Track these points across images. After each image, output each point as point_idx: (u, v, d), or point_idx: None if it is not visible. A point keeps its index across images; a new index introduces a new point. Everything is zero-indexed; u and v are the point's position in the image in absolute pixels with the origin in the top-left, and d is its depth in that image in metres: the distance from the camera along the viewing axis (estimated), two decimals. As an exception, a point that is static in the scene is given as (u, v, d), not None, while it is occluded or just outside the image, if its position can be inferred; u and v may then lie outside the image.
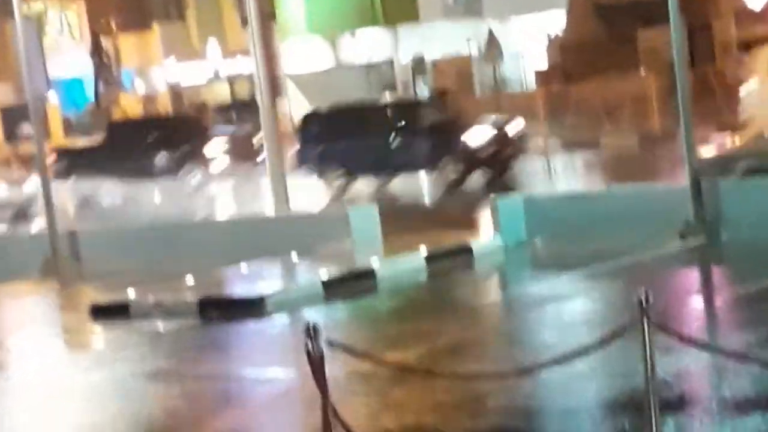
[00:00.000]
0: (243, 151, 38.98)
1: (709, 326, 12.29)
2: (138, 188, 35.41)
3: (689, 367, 10.09)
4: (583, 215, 18.49)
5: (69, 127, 63.06)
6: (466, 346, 12.36)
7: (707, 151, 19.44)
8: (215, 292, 16.66)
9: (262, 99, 22.05)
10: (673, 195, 17.74)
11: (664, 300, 12.92)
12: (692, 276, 15.48)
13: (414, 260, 17.53)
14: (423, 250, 17.82)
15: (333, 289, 16.17)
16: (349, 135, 31.59)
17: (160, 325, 15.46)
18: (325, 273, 16.79)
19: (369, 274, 16.80)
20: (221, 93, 64.60)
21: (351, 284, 16.41)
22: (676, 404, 9.16)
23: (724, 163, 18.86)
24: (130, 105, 63.74)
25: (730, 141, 20.71)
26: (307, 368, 7.93)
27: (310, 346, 7.83)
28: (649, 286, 7.96)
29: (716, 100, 37.26)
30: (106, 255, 21.48)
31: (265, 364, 12.89)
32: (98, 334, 15.78)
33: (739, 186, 17.71)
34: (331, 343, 8.00)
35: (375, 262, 17.30)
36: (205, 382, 12.25)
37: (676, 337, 7.71)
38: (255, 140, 36.72)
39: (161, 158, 38.40)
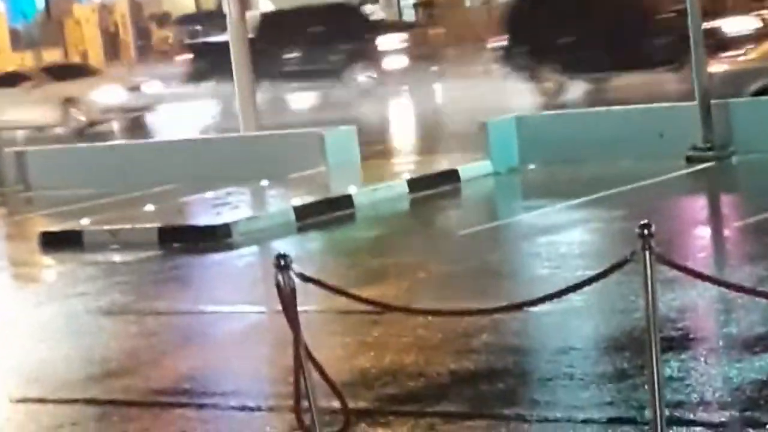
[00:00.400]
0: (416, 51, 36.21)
1: (716, 258, 12.29)
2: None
3: (694, 302, 10.11)
4: (581, 137, 18.45)
5: (18, 40, 62.79)
6: (451, 281, 12.35)
7: (718, 68, 19.38)
8: (177, 220, 16.63)
9: (230, 10, 21.96)
10: (680, 115, 17.71)
11: (668, 229, 12.94)
12: (699, 203, 15.49)
13: (395, 187, 17.50)
14: (404, 176, 17.80)
15: (307, 218, 16.17)
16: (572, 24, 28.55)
17: (117, 256, 15.43)
18: (296, 199, 16.79)
19: (346, 202, 16.79)
20: (184, 5, 64.34)
21: (326, 212, 16.40)
22: (680, 342, 9.17)
23: (735, 81, 18.84)
24: (84, 15, 63.44)
25: (742, 58, 20.61)
26: (278, 304, 7.89)
27: (280, 279, 7.80)
28: (651, 214, 7.96)
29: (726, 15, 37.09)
30: (56, 180, 21.45)
31: (231, 299, 12.87)
32: (49, 266, 15.72)
33: (750, 106, 17.70)
34: (303, 277, 7.97)
35: (352, 188, 17.28)
36: (165, 319, 12.26)
37: (680, 269, 7.69)
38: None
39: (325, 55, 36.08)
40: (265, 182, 18.62)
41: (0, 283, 15.44)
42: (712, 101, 17.22)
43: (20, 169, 22.29)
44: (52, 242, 16.55)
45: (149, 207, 17.59)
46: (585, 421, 7.87)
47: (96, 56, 62.59)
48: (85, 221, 16.91)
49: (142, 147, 24.65)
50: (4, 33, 61.67)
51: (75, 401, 9.54)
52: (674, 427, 7.25)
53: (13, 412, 9.64)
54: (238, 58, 21.65)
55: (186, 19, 61.81)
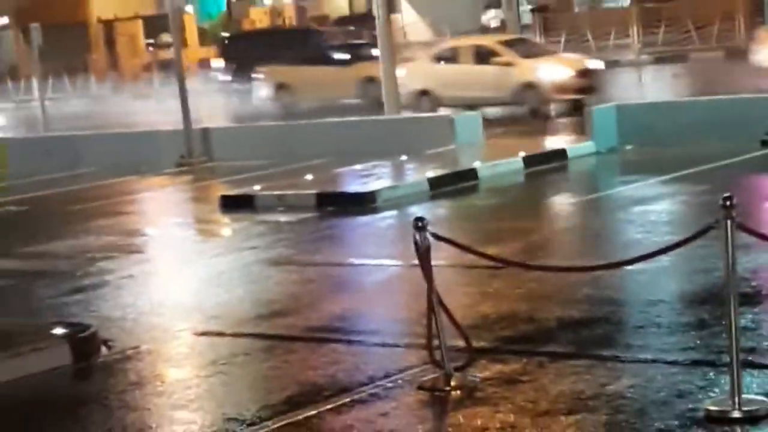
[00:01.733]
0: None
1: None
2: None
3: (767, 264, 9.95)
4: (671, 123, 18.30)
5: (204, 36, 63.49)
6: (559, 242, 12.31)
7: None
8: (332, 188, 16.73)
9: (378, 12, 21.97)
10: (759, 105, 17.48)
11: (746, 202, 12.74)
12: (759, 181, 15.21)
13: (513, 163, 17.46)
14: (520, 154, 17.73)
15: (439, 188, 16.19)
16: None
17: (283, 217, 15.55)
18: (430, 172, 16.81)
19: (472, 174, 16.78)
20: (340, 8, 64.55)
21: (455, 183, 16.41)
22: (753, 298, 9.04)
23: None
24: (258, 16, 64.00)
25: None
26: (414, 258, 7.92)
27: (417, 238, 7.81)
28: (732, 188, 7.84)
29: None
30: (234, 153, 21.69)
31: (374, 254, 12.93)
32: (226, 224, 15.90)
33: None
34: (436, 237, 7.98)
35: (476, 163, 17.27)
36: (321, 269, 12.33)
37: (756, 236, 7.57)
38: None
39: None
40: (404, 157, 18.66)
41: (186, 237, 15.65)
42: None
43: (205, 143, 22.54)
44: (230, 204, 16.74)
45: (309, 176, 17.71)
46: (671, 363, 7.79)
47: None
48: (256, 187, 17.09)
49: (304, 126, 24.77)
50: (193, 30, 62.33)
51: (247, 335, 9.65)
52: (748, 369, 7.14)
53: (196, 343, 9.76)
54: (384, 52, 21.68)
55: (341, 21, 62.04)
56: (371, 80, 30.41)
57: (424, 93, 27.43)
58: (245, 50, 40.47)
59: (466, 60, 28.16)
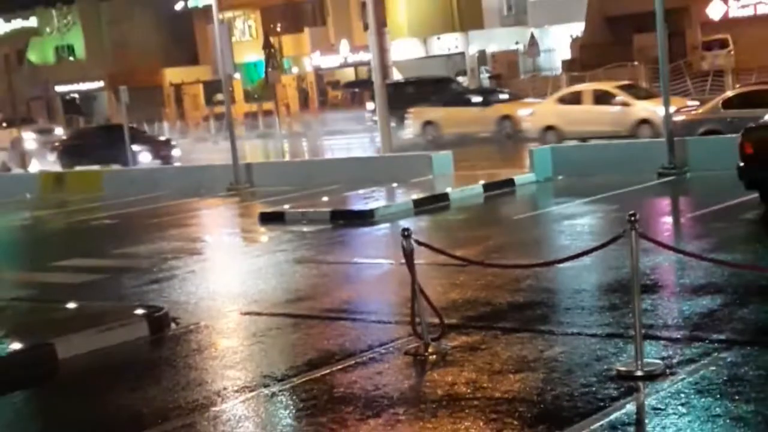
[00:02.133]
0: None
1: (676, 235, 12.10)
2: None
3: (661, 263, 9.96)
4: (592, 159, 18.36)
5: (247, 96, 63.68)
6: (508, 247, 12.31)
7: (679, 118, 19.14)
8: (341, 207, 16.73)
9: (375, 78, 22.00)
10: (655, 147, 17.56)
11: (646, 217, 12.77)
12: (666, 202, 15.27)
13: (475, 188, 17.48)
14: (480, 182, 17.76)
15: (420, 207, 16.19)
16: None
17: (305, 228, 15.56)
18: (414, 195, 16.82)
19: (445, 197, 16.79)
20: (348, 75, 64.74)
21: (432, 204, 16.41)
22: (652, 288, 9.04)
23: (689, 127, 18.62)
24: (288, 82, 64.13)
25: (694, 111, 20.28)
26: (402, 258, 7.92)
27: (404, 243, 7.82)
28: (636, 207, 7.89)
29: (686, 83, 36.55)
30: (270, 181, 21.72)
31: (373, 255, 12.93)
32: (264, 233, 15.92)
33: (698, 141, 17.47)
34: (418, 242, 7.98)
35: (448, 189, 17.28)
36: (334, 266, 12.33)
37: (653, 242, 7.60)
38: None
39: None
40: (394, 184, 18.67)
41: (233, 243, 15.66)
42: (675, 138, 17.02)
43: (248, 174, 22.54)
44: (266, 219, 16.74)
45: (325, 198, 17.72)
46: (591, 335, 7.80)
47: (294, 107, 63.22)
48: (286, 206, 17.09)
49: (321, 162, 24.87)
50: (239, 91, 62.52)
51: (278, 315, 9.64)
52: (647, 340, 7.15)
53: (241, 320, 9.76)
54: (380, 106, 21.71)
55: (349, 84, 62.21)
56: (507, 117, 29.60)
57: (549, 128, 25.86)
58: (391, 95, 37.75)
59: (587, 101, 25.98)
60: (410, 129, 32.52)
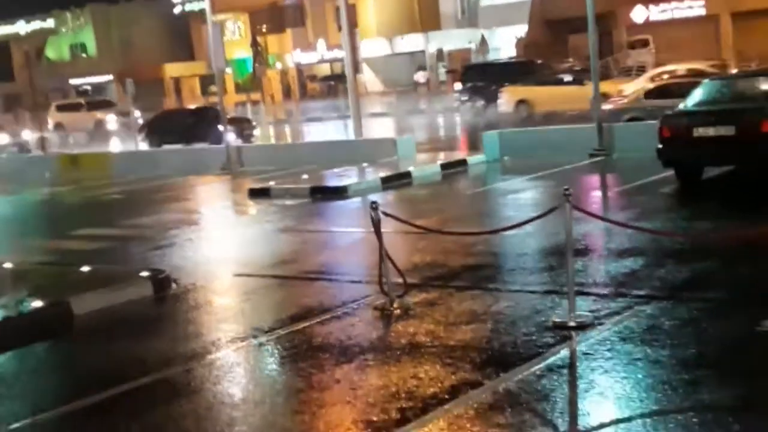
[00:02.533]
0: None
1: (604, 207, 12.17)
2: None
3: (592, 231, 10.03)
4: (534, 143, 18.37)
5: (238, 87, 63.14)
6: (462, 217, 12.33)
7: (606, 106, 19.21)
8: (319, 183, 16.68)
9: (348, 73, 21.87)
10: (586, 131, 17.59)
11: (579, 191, 12.83)
12: (595, 178, 15.32)
13: (434, 167, 17.47)
14: (438, 162, 17.75)
15: (387, 183, 16.17)
16: None
17: (288, 201, 15.51)
18: (381, 173, 16.79)
19: (408, 175, 16.77)
20: (325, 70, 64.41)
21: (397, 181, 16.40)
22: (583, 251, 9.10)
23: (615, 114, 18.70)
24: (273, 76, 63.65)
25: (620, 102, 20.35)
26: (371, 227, 7.92)
27: (372, 215, 7.81)
28: (570, 183, 7.92)
29: (613, 78, 36.61)
30: (261, 162, 21.56)
31: (347, 225, 12.92)
32: (252, 206, 15.84)
33: (623, 127, 17.54)
34: (385, 213, 7.98)
35: (411, 168, 17.25)
36: (313, 234, 12.30)
37: (585, 213, 7.64)
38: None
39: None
40: (365, 164, 18.62)
41: (226, 215, 15.57)
42: (603, 124, 17.08)
43: (239, 155, 22.33)
44: (255, 194, 16.65)
45: (305, 176, 17.64)
46: (532, 292, 7.85)
47: (278, 97, 62.80)
48: (271, 183, 16.99)
49: (303, 145, 24.69)
50: (231, 83, 61.98)
51: (266, 276, 9.62)
52: (579, 296, 7.20)
53: (233, 281, 9.73)
54: (352, 98, 21.59)
55: (325, 78, 61.89)
56: (603, 95, 28.03)
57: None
58: (478, 76, 35.04)
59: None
60: (503, 107, 30.44)
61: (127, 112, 49.43)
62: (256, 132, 30.36)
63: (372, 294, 8.15)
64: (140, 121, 42.64)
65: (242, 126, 29.25)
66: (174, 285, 9.46)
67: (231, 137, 26.38)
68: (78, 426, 5.90)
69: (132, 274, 9.51)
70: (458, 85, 36.56)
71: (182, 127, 28.87)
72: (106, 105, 48.30)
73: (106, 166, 25.48)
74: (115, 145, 36.02)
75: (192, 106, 28.75)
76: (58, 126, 45.90)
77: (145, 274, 9.46)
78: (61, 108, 48.59)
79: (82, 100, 50.84)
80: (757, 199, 11.36)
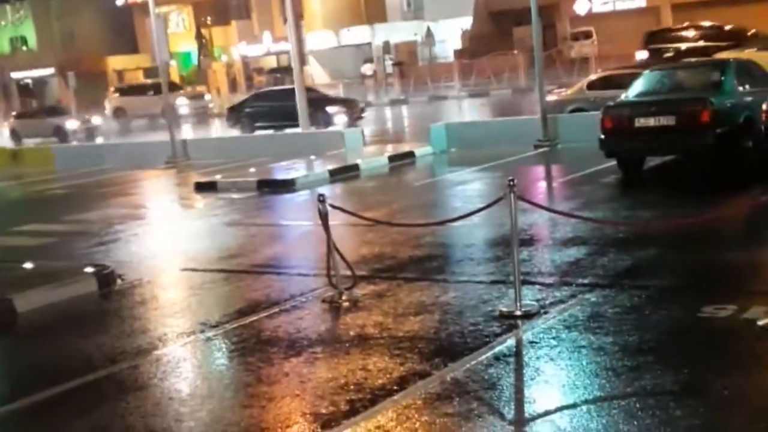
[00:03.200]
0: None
1: (548, 197, 12.31)
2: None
3: (537, 221, 10.14)
4: (479, 134, 18.50)
5: (182, 80, 62.42)
6: (410, 208, 12.36)
7: (551, 98, 19.39)
8: (267, 176, 16.59)
9: (294, 65, 21.78)
10: (531, 123, 17.76)
11: (524, 182, 12.95)
12: (540, 169, 15.50)
13: (381, 160, 17.48)
14: (386, 154, 17.77)
15: (335, 176, 16.14)
16: None
17: (235, 195, 15.40)
18: (329, 166, 16.75)
19: (356, 167, 16.76)
20: (271, 62, 64.01)
21: (345, 173, 16.38)
22: (528, 241, 9.21)
23: (559, 106, 18.88)
24: (218, 68, 63.05)
25: (563, 93, 20.56)
26: (318, 220, 7.90)
27: (320, 207, 7.79)
28: (515, 174, 7.99)
29: (557, 69, 37.07)
30: (205, 156, 21.36)
31: (294, 218, 12.88)
32: (198, 200, 15.71)
33: (567, 118, 17.73)
34: (332, 206, 7.97)
35: (359, 160, 17.24)
36: (260, 228, 12.24)
37: (529, 203, 7.71)
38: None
39: None
40: (312, 157, 18.57)
41: (172, 209, 15.40)
42: (548, 115, 17.26)
43: (184, 149, 22.11)
44: (201, 187, 16.50)
45: (252, 169, 17.52)
46: (479, 282, 7.91)
47: (224, 90, 62.25)
48: (218, 176, 16.85)
49: (249, 137, 24.50)
50: (176, 76, 61.24)
51: (213, 270, 9.54)
52: (525, 285, 7.28)
53: (180, 275, 9.64)
54: (299, 90, 21.49)
55: (272, 70, 61.50)
56: None
57: None
58: (669, 41, 30.13)
59: None
60: None
61: (199, 94, 43.98)
62: (365, 114, 28.03)
63: (320, 287, 8.13)
64: (211, 105, 39.55)
65: (352, 108, 26.69)
66: (119, 281, 9.34)
67: (341, 119, 25.16)
68: (22, 424, 5.80)
69: (76, 270, 9.36)
70: (641, 54, 30.22)
71: (281, 110, 25.21)
72: (174, 88, 41.63)
73: (47, 160, 25.01)
74: (200, 131, 33.87)
75: (289, 86, 24.83)
76: (119, 111, 41.37)
77: (89, 269, 9.31)
78: (122, 92, 43.60)
79: (149, 81, 45.10)
80: (697, 189, 11.59)
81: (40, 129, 35.32)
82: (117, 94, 44.19)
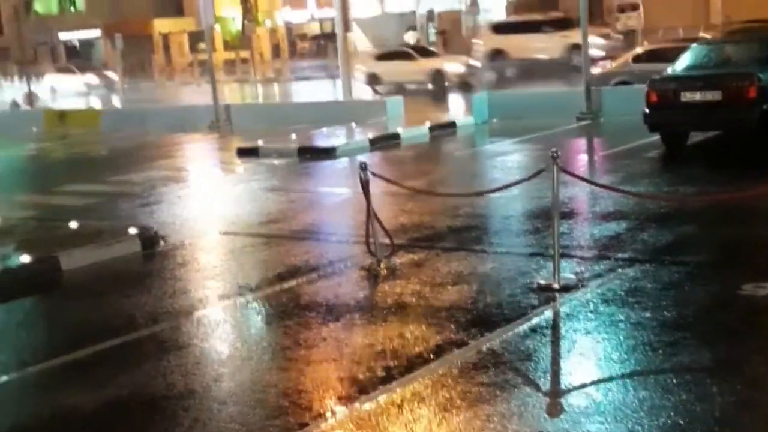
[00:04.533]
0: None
1: (590, 171, 12.20)
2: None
3: (578, 194, 10.07)
4: (522, 105, 18.35)
5: (226, 45, 62.57)
6: (449, 178, 12.34)
7: (595, 71, 19.16)
8: (308, 143, 16.63)
9: (339, 32, 21.72)
10: (575, 95, 17.59)
11: (566, 154, 12.85)
12: (582, 142, 15.36)
13: (422, 129, 17.42)
14: (427, 124, 17.70)
15: (375, 144, 16.13)
16: None
17: (276, 161, 15.47)
18: (370, 134, 16.74)
19: (396, 136, 16.73)
20: (315, 28, 63.87)
21: (385, 141, 16.36)
22: (569, 215, 9.15)
23: (604, 78, 18.66)
24: (262, 34, 63.06)
25: (608, 66, 20.29)
26: (359, 188, 7.91)
27: (361, 175, 7.81)
28: (558, 146, 7.90)
29: (604, 42, 36.44)
30: (250, 122, 21.43)
31: (335, 185, 12.91)
32: (240, 165, 15.80)
33: (611, 91, 17.52)
34: (373, 174, 7.97)
35: (399, 129, 17.21)
36: (301, 194, 12.30)
37: (572, 176, 7.66)
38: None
39: None
40: (354, 125, 18.55)
41: (214, 173, 15.50)
42: (591, 87, 17.06)
43: (227, 114, 22.19)
44: (243, 153, 16.59)
45: (293, 136, 17.57)
46: (517, 254, 7.89)
47: (267, 55, 62.26)
48: (260, 142, 16.90)
49: (291, 105, 24.55)
50: (220, 41, 61.46)
51: (252, 235, 9.63)
52: (564, 258, 7.25)
53: (220, 239, 9.73)
54: (342, 57, 21.43)
55: (315, 37, 61.39)
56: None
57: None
58: None
59: None
60: None
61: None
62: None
63: (359, 254, 8.17)
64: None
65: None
66: (162, 242, 9.46)
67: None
68: (65, 379, 5.93)
69: (120, 231, 9.50)
70: None
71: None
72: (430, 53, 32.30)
73: (94, 122, 25.29)
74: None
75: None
76: (372, 78, 30.64)
77: (133, 230, 9.44)
78: (381, 57, 32.16)
79: (410, 50, 31.93)
80: (739, 166, 11.41)
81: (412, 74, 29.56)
82: (374, 60, 32.37)
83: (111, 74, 45.12)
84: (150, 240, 9.32)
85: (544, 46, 30.61)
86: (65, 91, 43.56)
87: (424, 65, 29.85)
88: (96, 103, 35.52)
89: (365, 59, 33.52)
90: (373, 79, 30.88)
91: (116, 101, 34.11)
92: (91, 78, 46.17)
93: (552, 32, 30.73)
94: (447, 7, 55.33)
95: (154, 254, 9.14)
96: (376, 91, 29.44)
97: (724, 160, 12.03)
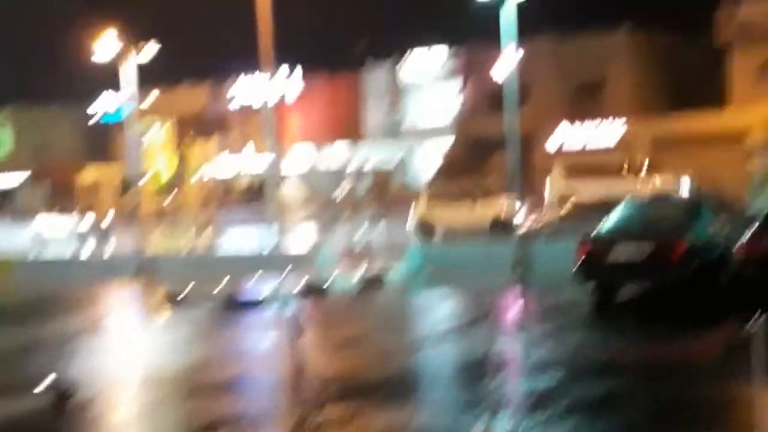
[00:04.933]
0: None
1: (523, 323, 12.13)
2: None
3: (511, 346, 9.98)
4: (454, 257, 18.51)
5: (156, 193, 62.46)
6: (382, 329, 12.06)
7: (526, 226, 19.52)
8: (233, 292, 16.19)
9: (270, 188, 21.83)
10: (507, 248, 17.75)
11: (498, 307, 12.81)
12: (515, 294, 15.29)
13: (354, 278, 17.27)
14: (359, 273, 17.59)
15: (306, 294, 15.86)
16: None
17: (200, 311, 15.09)
18: (302, 284, 16.49)
19: (326, 286, 16.55)
20: (244, 182, 64.58)
21: (316, 292, 16.17)
22: (502, 366, 9.00)
23: (535, 232, 18.99)
24: (189, 188, 63.16)
25: (536, 222, 20.78)
26: (288, 339, 7.70)
27: (290, 326, 7.63)
28: (490, 299, 7.89)
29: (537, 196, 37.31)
30: (175, 269, 21.01)
31: (261, 336, 12.50)
32: (164, 314, 15.33)
33: (543, 245, 17.76)
34: (302, 325, 7.80)
35: (331, 279, 17.03)
36: (225, 344, 11.94)
37: (504, 328, 7.60)
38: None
39: None
40: (284, 275, 18.20)
41: (135, 323, 14.94)
42: (523, 241, 17.31)
43: (153, 264, 21.71)
44: (168, 302, 16.06)
45: (219, 285, 17.11)
46: (452, 406, 7.64)
47: (196, 204, 62.30)
48: (186, 290, 16.37)
49: (221, 256, 23.83)
50: (151, 189, 61.34)
51: (173, 385, 9.17)
52: (499, 411, 7.03)
53: (138, 391, 9.29)
54: (275, 213, 21.34)
55: (246, 190, 61.58)
56: None
57: None
58: None
59: None
60: None
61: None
62: None
63: (286, 407, 7.84)
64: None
65: None
66: (73, 397, 8.93)
67: None
68: None
69: (31, 384, 8.97)
70: None
71: None
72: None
73: (5, 273, 24.21)
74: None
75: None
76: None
77: (45, 383, 8.92)
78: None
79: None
80: (669, 319, 11.53)
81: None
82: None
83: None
84: (62, 394, 8.80)
85: (469, 219, 26.32)
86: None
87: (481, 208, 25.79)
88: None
89: (422, 202, 28.23)
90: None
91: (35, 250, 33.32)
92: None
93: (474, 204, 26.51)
94: (384, 157, 56.51)
95: (65, 409, 8.62)
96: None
97: (652, 316, 12.16)
